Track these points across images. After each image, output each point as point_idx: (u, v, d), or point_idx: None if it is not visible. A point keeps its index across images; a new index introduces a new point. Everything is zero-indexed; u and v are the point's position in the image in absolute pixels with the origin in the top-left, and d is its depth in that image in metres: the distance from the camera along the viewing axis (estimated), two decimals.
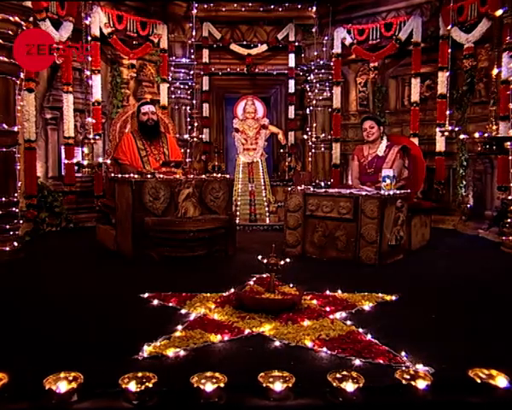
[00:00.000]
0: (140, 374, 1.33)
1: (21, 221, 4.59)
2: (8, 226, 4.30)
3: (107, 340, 2.38)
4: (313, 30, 7.44)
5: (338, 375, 1.37)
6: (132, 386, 1.30)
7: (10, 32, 4.15)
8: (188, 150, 7.52)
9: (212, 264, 4.19)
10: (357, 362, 2.08)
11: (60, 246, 5.17)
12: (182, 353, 2.19)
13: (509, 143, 4.75)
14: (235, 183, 6.80)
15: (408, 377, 1.32)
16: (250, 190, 6.74)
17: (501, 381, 1.40)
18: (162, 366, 2.06)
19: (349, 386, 1.32)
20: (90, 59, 6.10)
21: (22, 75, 4.81)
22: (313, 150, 7.67)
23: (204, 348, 2.26)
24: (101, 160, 5.71)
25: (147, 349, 2.19)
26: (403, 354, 2.14)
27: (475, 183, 6.17)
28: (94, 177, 6.41)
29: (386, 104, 7.26)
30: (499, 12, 5.16)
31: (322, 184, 7.23)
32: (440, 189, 6.51)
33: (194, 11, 7.27)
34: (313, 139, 7.60)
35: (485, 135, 4.67)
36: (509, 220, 4.88)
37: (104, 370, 1.97)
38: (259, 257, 2.93)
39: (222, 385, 1.30)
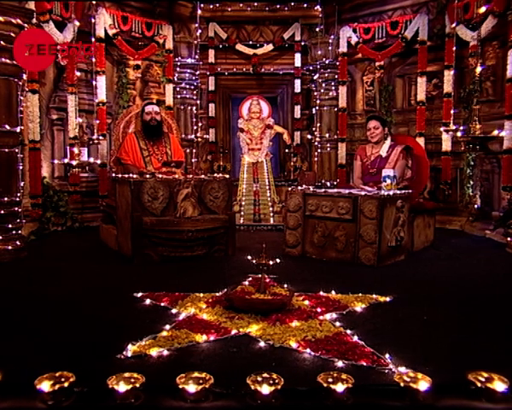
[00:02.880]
0: (57, 374, 1.33)
1: (24, 221, 4.65)
2: (10, 226, 4.36)
3: (95, 339, 2.40)
4: (317, 29, 7.39)
5: (259, 377, 1.36)
6: (46, 386, 1.30)
7: (12, 34, 4.20)
8: (194, 150, 7.54)
9: (210, 264, 4.19)
10: (340, 364, 2.06)
11: (63, 245, 5.23)
12: (165, 352, 2.19)
13: None
14: (240, 183, 6.81)
15: (331, 380, 1.30)
16: (255, 190, 6.73)
17: (422, 384, 1.39)
18: (144, 365, 2.06)
19: (265, 388, 1.31)
20: (93, 60, 6.16)
21: (25, 76, 4.86)
22: (319, 150, 7.63)
23: (188, 348, 2.26)
24: (92, 160, 5.75)
25: (131, 348, 2.20)
26: (387, 356, 2.11)
27: (483, 183, 6.07)
28: (99, 177, 6.48)
29: (392, 103, 7.18)
30: (483, 9, 5.12)
31: (328, 184, 7.19)
32: (446, 189, 6.42)
33: (199, 11, 7.29)
34: (317, 139, 7.56)
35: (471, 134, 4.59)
36: None
37: (85, 369, 1.98)
38: (249, 257, 2.92)
39: (137, 386, 1.30)
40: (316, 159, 7.70)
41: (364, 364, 2.06)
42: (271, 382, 1.31)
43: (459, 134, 4.59)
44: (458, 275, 3.86)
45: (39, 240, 5.34)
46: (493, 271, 4.07)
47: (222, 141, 8.03)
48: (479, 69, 5.06)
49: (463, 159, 6.37)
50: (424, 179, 5.38)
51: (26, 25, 4.36)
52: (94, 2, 6.17)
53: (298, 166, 7.55)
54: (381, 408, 1.26)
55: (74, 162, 4.87)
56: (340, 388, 1.24)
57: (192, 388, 1.30)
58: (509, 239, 4.84)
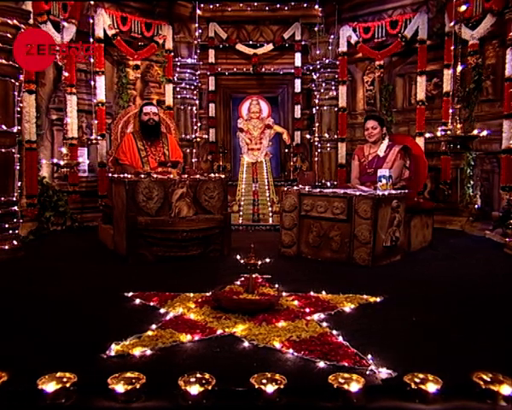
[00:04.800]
0: None
1: (21, 220, 4.67)
2: (7, 225, 4.39)
3: (81, 338, 2.40)
4: (316, 29, 7.37)
5: (191, 378, 1.35)
6: None
7: (9, 35, 4.23)
8: (194, 150, 7.55)
9: (204, 264, 4.18)
10: (322, 364, 2.05)
11: (61, 245, 5.25)
12: (148, 352, 2.19)
13: None
14: (239, 183, 6.81)
15: (265, 381, 1.29)
16: (254, 190, 6.72)
17: (353, 386, 1.41)
18: (126, 365, 2.06)
19: (194, 389, 1.32)
20: (92, 60, 6.18)
21: (22, 77, 4.89)
22: (319, 150, 7.61)
23: (171, 347, 2.26)
24: (80, 160, 5.77)
25: (114, 348, 2.20)
26: (369, 356, 2.10)
27: (483, 183, 6.03)
28: (98, 177, 6.51)
29: (393, 103, 7.16)
30: (463, 8, 5.11)
31: (328, 183, 7.17)
32: (446, 189, 6.38)
33: (199, 11, 7.29)
34: (317, 139, 7.53)
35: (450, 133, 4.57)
36: None
37: (66, 368, 1.98)
38: (238, 257, 2.92)
39: (68, 386, 1.30)
40: (316, 159, 7.68)
41: (346, 364, 2.04)
42: (203, 382, 1.31)
43: (439, 134, 4.55)
44: (455, 275, 3.84)
45: (38, 240, 5.36)
46: (490, 271, 4.03)
47: (222, 141, 8.03)
48: (459, 68, 5.02)
49: (463, 159, 6.33)
50: (422, 179, 5.35)
51: (22, 25, 4.38)
52: (92, 3, 6.20)
53: (298, 166, 7.53)
54: (313, 409, 1.26)
55: (62, 162, 4.90)
56: (269, 389, 1.24)
57: (120, 388, 1.31)
58: (507, 239, 4.80)
